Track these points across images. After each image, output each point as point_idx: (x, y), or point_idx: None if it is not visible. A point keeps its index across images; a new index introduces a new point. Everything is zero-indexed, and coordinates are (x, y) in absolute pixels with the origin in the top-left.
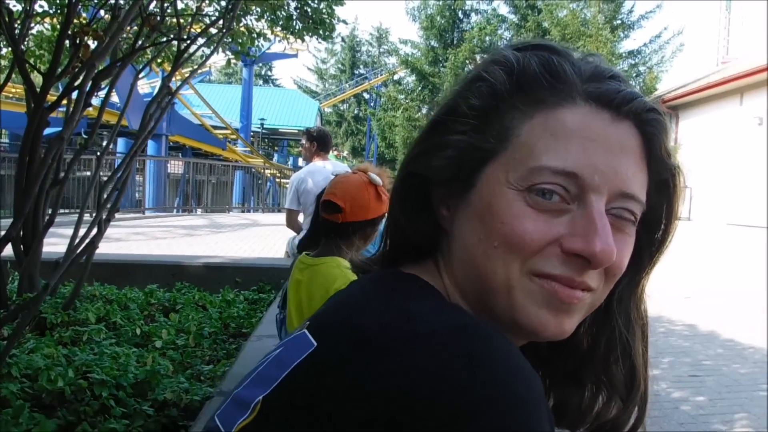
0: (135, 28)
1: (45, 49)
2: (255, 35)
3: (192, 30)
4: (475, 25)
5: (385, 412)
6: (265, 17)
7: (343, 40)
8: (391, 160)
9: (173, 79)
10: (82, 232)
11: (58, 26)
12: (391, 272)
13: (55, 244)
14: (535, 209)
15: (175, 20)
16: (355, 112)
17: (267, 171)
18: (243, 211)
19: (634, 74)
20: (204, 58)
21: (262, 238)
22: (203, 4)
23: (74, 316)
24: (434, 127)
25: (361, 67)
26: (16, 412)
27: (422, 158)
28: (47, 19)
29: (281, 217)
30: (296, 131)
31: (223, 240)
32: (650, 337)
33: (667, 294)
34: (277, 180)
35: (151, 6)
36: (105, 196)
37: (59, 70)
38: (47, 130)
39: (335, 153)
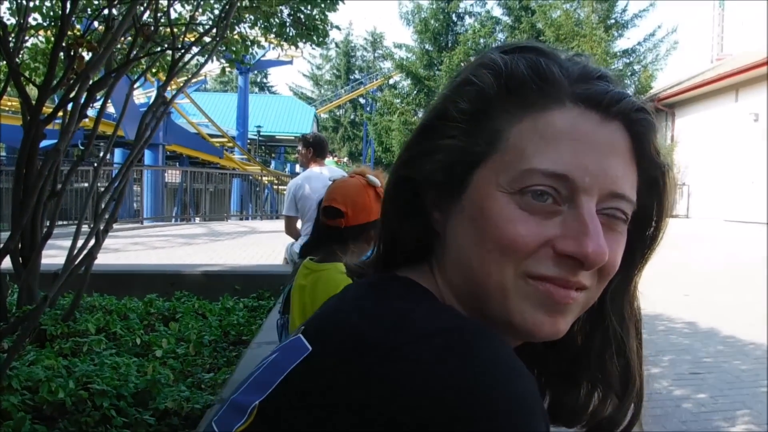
0: (129, 38)
1: (40, 62)
2: (249, 43)
3: (186, 39)
4: (470, 27)
5: (382, 415)
6: (259, 25)
7: (337, 45)
8: (388, 164)
9: (168, 88)
10: (80, 243)
11: (53, 39)
12: (385, 276)
13: (53, 256)
14: (526, 212)
15: (168, 30)
16: (352, 117)
17: (264, 178)
18: (241, 219)
19: (629, 73)
20: (198, 67)
21: (261, 245)
22: (197, 14)
23: (74, 328)
24: (424, 131)
25: (357, 72)
26: (17, 425)
27: (413, 163)
28: (41, 32)
29: (279, 224)
30: (293, 138)
31: (222, 248)
32: (650, 335)
33: (667, 292)
34: (275, 187)
35: (145, 16)
36: (103, 206)
37: (54, 82)
38: (43, 143)
39: (335, 159)
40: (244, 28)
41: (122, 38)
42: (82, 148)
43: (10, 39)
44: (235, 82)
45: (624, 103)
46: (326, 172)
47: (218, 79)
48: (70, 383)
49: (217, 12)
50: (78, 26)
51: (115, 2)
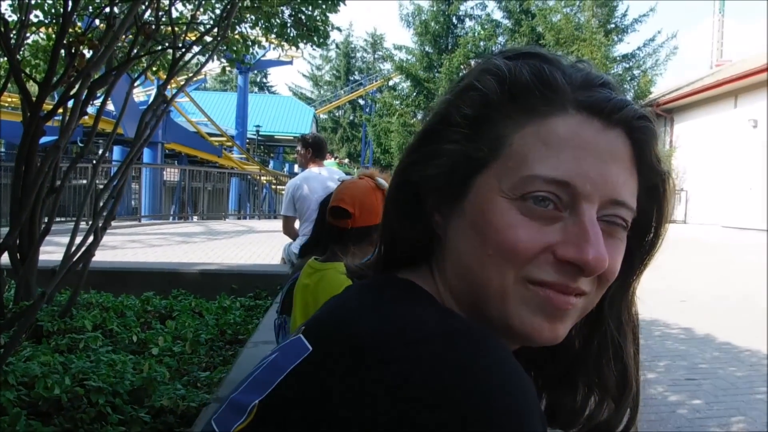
0: (130, 36)
1: (40, 59)
2: (250, 43)
3: (187, 38)
4: (470, 30)
5: (381, 417)
6: (260, 25)
7: (337, 46)
8: (386, 166)
9: (168, 87)
10: (78, 240)
11: (54, 36)
12: (386, 277)
13: (51, 252)
14: (527, 217)
15: (170, 29)
16: (351, 118)
17: (263, 178)
18: (239, 218)
19: (629, 78)
20: (199, 66)
21: (258, 244)
22: (198, 13)
23: (71, 324)
24: (427, 135)
25: (356, 73)
26: (12, 420)
27: (415, 166)
28: (42, 29)
29: (277, 224)
30: (292, 138)
31: (220, 247)
32: (646, 340)
33: (663, 298)
34: (273, 187)
35: (146, 15)
36: (101, 204)
37: (55, 79)
38: (43, 139)
39: (337, 161)
40: (245, 28)
41: (123, 36)
42: (81, 145)
43: (12, 35)
44: (235, 81)
45: (626, 111)
46: (325, 172)
47: (218, 78)
48: (66, 380)
49: (218, 11)
50: (79, 24)
51: (117, 0)
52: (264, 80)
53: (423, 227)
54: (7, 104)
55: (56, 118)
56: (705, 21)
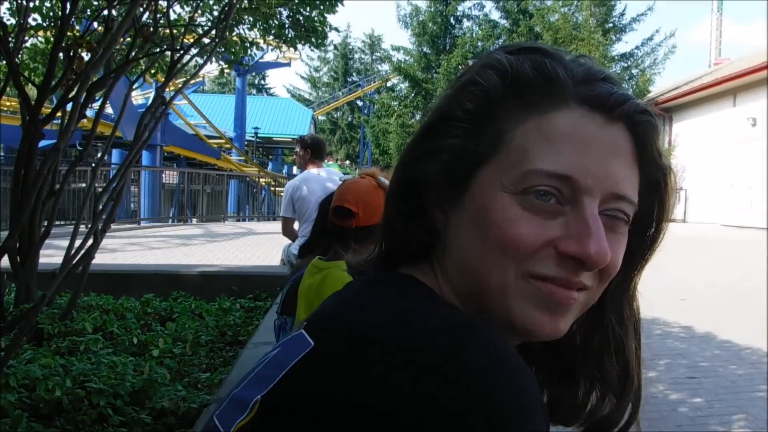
0: (128, 39)
1: (39, 62)
2: (248, 44)
3: (185, 40)
4: (468, 31)
5: (382, 411)
6: (258, 26)
7: (335, 47)
8: (385, 167)
9: (167, 89)
10: (78, 242)
11: (52, 39)
12: (387, 273)
13: (51, 255)
14: (529, 212)
15: (168, 31)
16: (349, 119)
17: (262, 180)
18: (238, 220)
19: (627, 77)
20: (197, 68)
21: (258, 246)
22: (196, 15)
23: (71, 327)
24: (428, 131)
25: (354, 74)
26: (14, 422)
27: (417, 162)
28: (41, 32)
29: (276, 226)
30: (290, 140)
31: (219, 249)
32: (647, 339)
33: (663, 296)
34: (272, 188)
35: (144, 17)
36: (101, 206)
37: (53, 82)
38: (42, 143)
39: (339, 163)
40: (243, 29)
41: (121, 39)
42: (80, 148)
43: (10, 39)
44: (233, 83)
45: (628, 105)
46: (324, 173)
47: (216, 80)
48: (67, 382)
49: (216, 13)
50: (77, 27)
51: (115, 3)
52: (262, 82)
53: (424, 223)
54: (5, 108)
55: (55, 121)
56: (703, 20)
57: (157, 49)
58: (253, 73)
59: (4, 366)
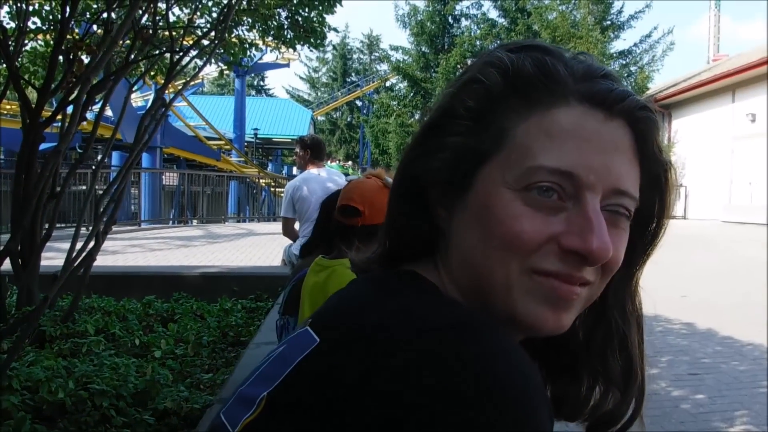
0: (128, 41)
1: (39, 65)
2: (247, 45)
3: (184, 42)
4: (466, 30)
5: (388, 407)
6: (257, 27)
7: (334, 48)
8: (385, 167)
9: (166, 91)
10: (79, 245)
11: (52, 42)
12: (391, 270)
13: (52, 258)
14: (532, 208)
15: (167, 33)
16: (348, 119)
17: (262, 180)
18: (239, 221)
19: (626, 74)
20: (197, 70)
21: (259, 247)
22: (195, 17)
23: (73, 329)
24: (431, 129)
25: (353, 74)
26: (17, 424)
27: (419, 160)
28: (40, 36)
29: (277, 226)
30: (290, 140)
31: (220, 250)
32: (648, 336)
33: (665, 293)
34: (272, 189)
35: (143, 20)
36: (102, 208)
37: (53, 85)
38: (42, 145)
39: (341, 164)
40: (242, 30)
41: (121, 41)
42: (80, 151)
43: (10, 42)
44: (232, 85)
45: (628, 102)
46: (324, 173)
47: (215, 82)
48: (70, 383)
49: (215, 15)
50: (77, 30)
51: (114, 6)
52: (261, 83)
53: (426, 221)
54: (6, 111)
55: (55, 124)
56: (701, 17)
57: (157, 52)
58: (252, 75)
59: (6, 368)
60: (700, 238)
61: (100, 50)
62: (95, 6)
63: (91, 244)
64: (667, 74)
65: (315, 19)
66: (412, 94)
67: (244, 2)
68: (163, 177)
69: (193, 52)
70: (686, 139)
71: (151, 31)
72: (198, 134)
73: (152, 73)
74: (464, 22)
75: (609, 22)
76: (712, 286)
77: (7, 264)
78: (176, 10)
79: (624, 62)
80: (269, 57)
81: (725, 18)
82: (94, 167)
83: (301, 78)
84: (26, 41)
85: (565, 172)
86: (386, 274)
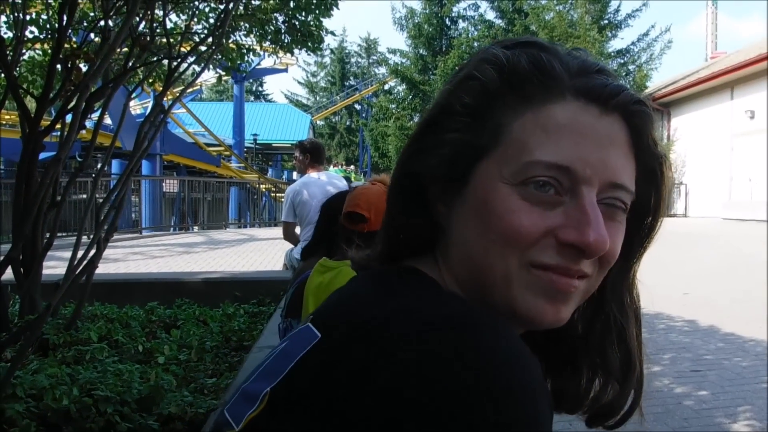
0: (125, 49)
1: (37, 74)
2: (245, 50)
3: (182, 48)
4: (464, 31)
5: (390, 401)
6: (254, 32)
7: (332, 52)
8: (385, 170)
9: (165, 98)
10: (80, 253)
11: (50, 51)
12: (391, 266)
13: (53, 267)
14: (529, 202)
15: (164, 40)
16: (347, 123)
17: (262, 186)
18: (239, 227)
19: (624, 73)
20: (195, 75)
21: (260, 252)
22: (192, 23)
23: (76, 336)
24: (428, 125)
25: (351, 78)
26: None
27: (417, 157)
28: (38, 45)
29: (278, 231)
30: (289, 145)
31: (221, 256)
32: (650, 333)
33: (666, 290)
34: (273, 194)
35: (141, 27)
36: (102, 216)
37: (52, 94)
38: (42, 154)
39: (345, 168)
40: (240, 36)
41: (118, 49)
42: (80, 159)
43: (8, 52)
44: (231, 91)
45: (622, 96)
46: (324, 177)
47: (214, 88)
48: (74, 390)
49: (212, 21)
50: (74, 38)
51: (111, 14)
52: (260, 89)
53: (426, 218)
54: (5, 122)
55: (54, 133)
56: (698, 15)
57: (155, 58)
58: (251, 80)
59: (11, 377)
60: (701, 235)
61: (98, 58)
62: (92, 14)
63: (93, 251)
64: (665, 72)
65: (312, 23)
66: (410, 97)
67: (241, 7)
68: (164, 184)
69: (191, 59)
70: (686, 137)
71: (148, 38)
72: (197, 141)
73: (150, 80)
74: (461, 24)
75: (606, 22)
76: (713, 283)
77: (9, 273)
78: (173, 16)
79: (622, 61)
80: (267, 62)
81: (722, 15)
82: (94, 175)
83: (299, 83)
84: (24, 51)
85: (561, 166)
86: (386, 270)
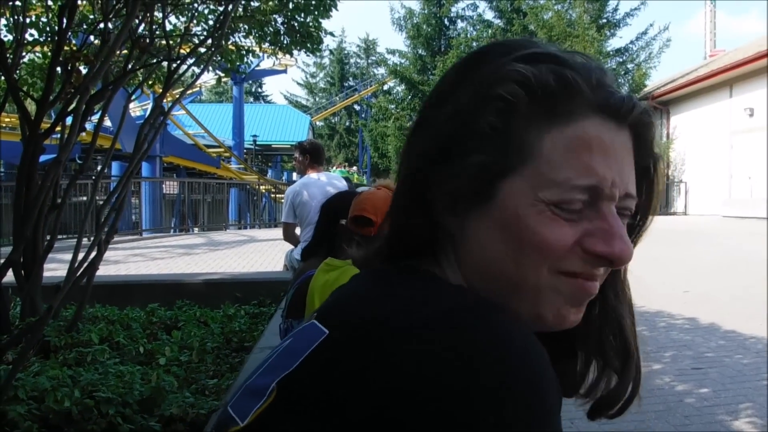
0: (125, 51)
1: (37, 77)
2: (244, 52)
3: (181, 50)
4: (462, 32)
5: (399, 395)
6: (253, 33)
7: (331, 52)
8: (384, 170)
9: (165, 99)
10: (81, 255)
11: (50, 54)
12: (394, 264)
13: (54, 269)
14: (559, 217)
15: (164, 41)
16: (347, 124)
17: (262, 187)
18: (240, 228)
19: (623, 72)
20: (195, 77)
21: (260, 253)
22: (191, 24)
23: (77, 338)
24: (449, 140)
25: (351, 79)
26: None
27: (434, 168)
28: (38, 48)
29: (278, 232)
30: (289, 146)
31: (222, 257)
32: (651, 332)
33: (667, 288)
34: (272, 195)
35: (140, 29)
36: (103, 218)
37: (52, 96)
38: (42, 157)
39: (347, 169)
40: (239, 37)
41: (118, 51)
42: (80, 162)
43: (8, 55)
44: (230, 92)
45: (636, 110)
46: (324, 178)
47: (213, 90)
48: (76, 392)
49: (211, 22)
50: (74, 41)
51: (111, 16)
52: (259, 90)
53: (429, 223)
54: (5, 125)
55: (54, 135)
56: (697, 13)
57: (154, 60)
58: (250, 82)
59: (12, 379)
60: (700, 233)
61: (98, 60)
62: (92, 17)
63: (93, 253)
64: (664, 71)
65: (311, 24)
66: (409, 97)
67: (240, 9)
68: (164, 186)
69: (191, 60)
70: (685, 135)
71: (148, 40)
72: (197, 142)
73: (150, 82)
74: (460, 24)
75: (605, 21)
76: (713, 280)
77: (10, 275)
78: (173, 18)
79: (621, 60)
80: (266, 63)
81: (721, 13)
82: (94, 177)
83: (298, 84)
84: (24, 53)
85: (590, 186)
86: (389, 267)
